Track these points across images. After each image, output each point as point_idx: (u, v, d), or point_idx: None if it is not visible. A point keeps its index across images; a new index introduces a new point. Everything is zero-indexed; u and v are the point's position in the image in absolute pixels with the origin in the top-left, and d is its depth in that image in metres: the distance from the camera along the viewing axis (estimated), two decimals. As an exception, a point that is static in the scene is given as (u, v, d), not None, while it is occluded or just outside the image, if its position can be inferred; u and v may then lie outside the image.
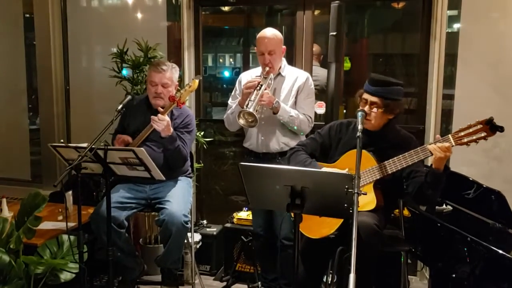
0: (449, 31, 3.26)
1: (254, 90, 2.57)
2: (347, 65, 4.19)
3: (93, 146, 2.28)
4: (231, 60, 5.88)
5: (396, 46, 4.23)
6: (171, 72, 2.78)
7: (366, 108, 2.28)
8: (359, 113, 2.21)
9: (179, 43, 3.69)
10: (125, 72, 3.41)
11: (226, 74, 5.53)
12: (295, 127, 2.71)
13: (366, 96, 2.30)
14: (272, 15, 4.29)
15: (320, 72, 3.71)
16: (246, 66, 4.44)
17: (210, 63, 5.67)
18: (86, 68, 4.05)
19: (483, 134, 2.03)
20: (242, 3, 4.04)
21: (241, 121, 2.56)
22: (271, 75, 2.69)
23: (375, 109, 2.27)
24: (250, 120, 2.55)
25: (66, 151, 2.41)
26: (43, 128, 4.10)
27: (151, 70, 2.79)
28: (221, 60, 5.96)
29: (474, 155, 3.07)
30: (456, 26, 3.31)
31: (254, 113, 2.50)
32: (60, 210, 2.97)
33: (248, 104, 2.54)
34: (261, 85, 2.59)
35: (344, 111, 3.72)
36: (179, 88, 2.86)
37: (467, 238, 2.21)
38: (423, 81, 3.33)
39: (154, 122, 2.60)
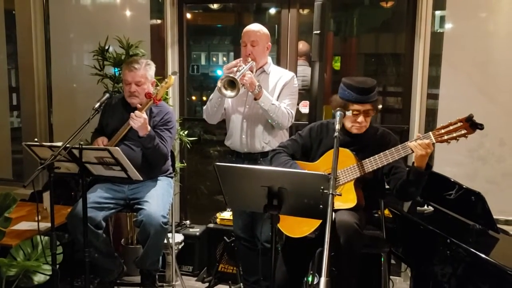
0: (440, 31, 3.24)
1: (236, 70, 2.50)
2: (337, 64, 4.16)
3: (67, 145, 2.24)
4: (224, 58, 5.83)
5: (386, 46, 4.20)
6: (144, 69, 2.72)
7: (360, 119, 2.25)
8: (337, 113, 2.19)
9: (163, 41, 3.64)
10: (116, 70, 3.36)
11: (219, 72, 5.47)
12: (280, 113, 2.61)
13: (357, 107, 2.24)
14: (261, 14, 4.25)
15: (308, 73, 3.66)
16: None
17: (203, 61, 5.62)
18: (69, 65, 3.97)
19: (463, 132, 2.01)
20: (226, 1, 3.99)
21: (222, 90, 2.43)
22: (252, 62, 2.61)
23: (363, 116, 2.26)
24: (231, 86, 2.43)
25: (41, 150, 2.35)
26: (24, 126, 4.04)
27: (124, 69, 2.74)
28: (214, 59, 5.91)
29: (458, 155, 3.06)
30: (442, 26, 3.29)
31: (236, 78, 2.39)
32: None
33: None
34: (243, 67, 2.52)
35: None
36: (158, 83, 2.81)
37: (447, 239, 2.20)
38: (408, 80, 3.31)
39: (131, 119, 2.55)
